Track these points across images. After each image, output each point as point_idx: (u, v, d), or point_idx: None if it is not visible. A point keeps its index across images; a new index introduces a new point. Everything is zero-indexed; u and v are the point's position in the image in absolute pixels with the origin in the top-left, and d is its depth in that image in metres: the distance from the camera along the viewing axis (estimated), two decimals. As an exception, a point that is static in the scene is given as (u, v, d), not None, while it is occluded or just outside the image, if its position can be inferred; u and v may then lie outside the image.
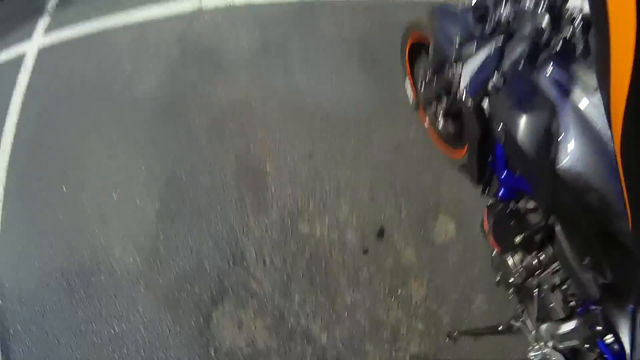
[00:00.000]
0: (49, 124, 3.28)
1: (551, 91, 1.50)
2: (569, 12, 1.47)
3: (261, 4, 3.79)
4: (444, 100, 2.31)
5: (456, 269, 2.30)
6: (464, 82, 1.70)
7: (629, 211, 1.05)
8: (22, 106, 3.45)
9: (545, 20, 1.45)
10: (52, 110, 3.36)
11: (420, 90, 2.53)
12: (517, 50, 1.45)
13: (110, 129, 3.11)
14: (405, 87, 2.89)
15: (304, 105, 3.00)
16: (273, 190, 2.65)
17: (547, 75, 1.52)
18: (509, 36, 1.54)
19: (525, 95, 1.60)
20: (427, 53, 2.49)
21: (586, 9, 1.41)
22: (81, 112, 3.28)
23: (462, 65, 1.79)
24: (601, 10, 0.73)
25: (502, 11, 1.57)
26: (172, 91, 3.22)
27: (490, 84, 1.51)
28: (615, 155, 0.95)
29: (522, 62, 1.47)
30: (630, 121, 0.83)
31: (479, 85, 1.58)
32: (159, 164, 2.85)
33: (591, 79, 1.45)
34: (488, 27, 1.60)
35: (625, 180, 0.98)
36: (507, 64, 1.47)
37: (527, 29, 1.48)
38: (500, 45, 1.53)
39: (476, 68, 1.63)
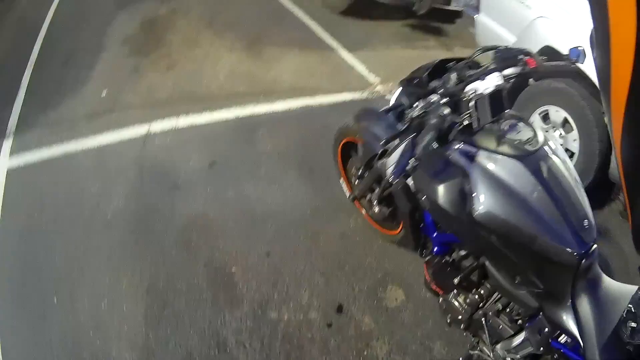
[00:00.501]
0: (29, 241, 3.65)
1: (460, 160, 1.93)
2: (466, 97, 1.89)
3: (203, 124, 4.49)
4: (376, 189, 2.83)
5: (412, 325, 2.87)
6: (390, 169, 2.11)
7: (628, 211, 1.09)
8: (0, 224, 3.81)
9: (446, 111, 1.91)
10: (30, 228, 3.73)
11: (355, 184, 3.08)
12: (427, 137, 1.83)
13: (88, 246, 3.53)
14: (341, 183, 3.47)
15: (255, 212, 3.61)
16: (241, 287, 3.16)
17: (456, 149, 1.96)
18: (421, 126, 1.94)
19: (440, 168, 2.00)
20: (356, 152, 3.07)
21: (480, 89, 1.86)
22: (58, 230, 3.68)
23: (388, 156, 2.22)
24: (602, 14, 0.76)
25: (415, 108, 1.97)
26: (138, 210, 3.73)
27: (409, 166, 1.92)
28: (615, 156, 0.99)
29: (432, 145, 1.87)
30: (630, 122, 0.87)
31: (401, 170, 1.97)
32: (137, 275, 3.30)
33: (490, 143, 1.89)
34: (405, 123, 2.05)
35: (625, 180, 1.01)
36: (419, 149, 1.84)
37: (433, 120, 1.89)
38: (413, 135, 1.98)
39: (398, 156, 2.03)
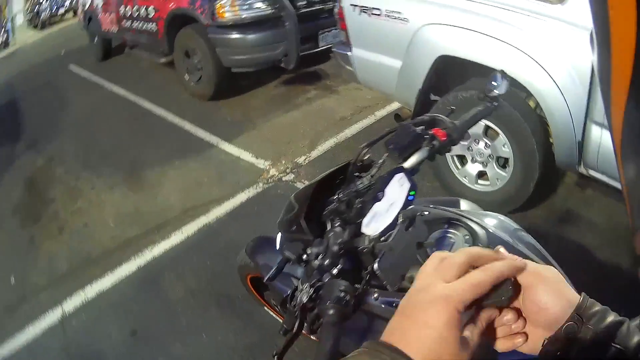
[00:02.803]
0: None
1: (385, 311, 1.64)
2: (363, 247, 1.48)
3: (109, 288, 4.71)
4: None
5: None
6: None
7: (629, 211, 1.11)
8: None
9: (342, 287, 1.38)
10: None
11: (283, 314, 2.45)
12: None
13: None
14: (266, 311, 3.33)
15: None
16: None
17: (375, 299, 1.66)
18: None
19: (363, 327, 1.78)
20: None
21: (376, 229, 1.45)
22: None
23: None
24: (602, 13, 0.80)
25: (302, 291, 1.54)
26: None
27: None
28: (616, 159, 1.02)
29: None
30: (630, 122, 0.90)
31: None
32: None
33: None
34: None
35: (625, 181, 1.04)
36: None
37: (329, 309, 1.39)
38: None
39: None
